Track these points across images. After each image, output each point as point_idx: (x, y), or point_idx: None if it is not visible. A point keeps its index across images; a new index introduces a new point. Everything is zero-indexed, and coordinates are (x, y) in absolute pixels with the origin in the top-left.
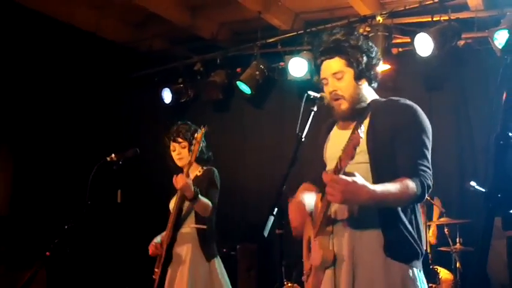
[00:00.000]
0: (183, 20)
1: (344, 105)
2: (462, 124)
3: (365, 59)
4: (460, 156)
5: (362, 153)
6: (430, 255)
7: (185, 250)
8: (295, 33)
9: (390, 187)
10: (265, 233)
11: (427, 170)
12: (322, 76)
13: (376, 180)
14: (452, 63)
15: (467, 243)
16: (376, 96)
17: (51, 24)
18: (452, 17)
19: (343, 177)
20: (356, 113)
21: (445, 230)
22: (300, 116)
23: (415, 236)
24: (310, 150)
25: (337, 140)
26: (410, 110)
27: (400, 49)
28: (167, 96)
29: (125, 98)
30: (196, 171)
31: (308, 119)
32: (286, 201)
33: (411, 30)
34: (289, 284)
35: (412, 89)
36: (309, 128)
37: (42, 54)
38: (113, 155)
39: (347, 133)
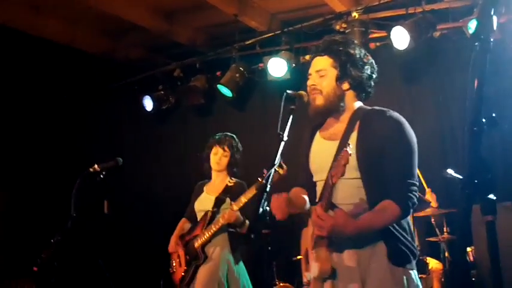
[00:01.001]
0: (159, 27)
1: (319, 101)
2: (442, 114)
3: (355, 67)
4: (442, 146)
5: (353, 169)
6: (418, 247)
7: (216, 251)
8: (273, 33)
9: (375, 216)
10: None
11: (415, 188)
12: (309, 71)
13: (369, 195)
14: (430, 54)
15: (454, 232)
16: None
17: (24, 39)
18: (426, 9)
19: (330, 217)
20: (331, 114)
21: (432, 220)
22: (280, 116)
23: (410, 239)
24: (293, 149)
25: (322, 151)
26: (398, 127)
27: (378, 43)
28: (148, 104)
29: (106, 109)
30: (226, 180)
31: (288, 118)
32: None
33: (387, 24)
34: (281, 284)
35: (392, 83)
36: (290, 127)
37: (17, 70)
38: (96, 166)
39: (333, 144)
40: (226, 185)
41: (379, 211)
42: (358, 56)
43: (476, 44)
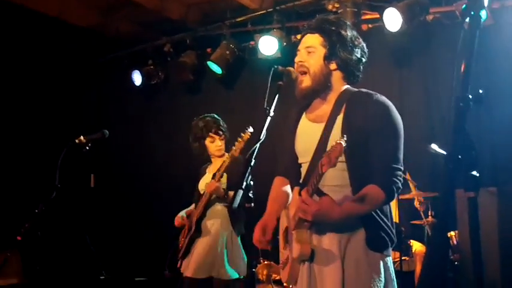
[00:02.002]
0: (151, 2)
1: (306, 83)
2: (431, 98)
3: (344, 48)
4: (430, 130)
5: None
6: (403, 229)
7: (215, 224)
8: (265, 11)
9: (360, 202)
10: (235, 205)
11: (400, 173)
12: (298, 47)
13: (352, 178)
14: (422, 38)
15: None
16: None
17: (12, 10)
18: None
19: (315, 202)
20: (318, 94)
21: (417, 203)
22: (268, 91)
23: (390, 226)
24: (278, 125)
25: (308, 133)
26: (384, 111)
27: (370, 25)
28: (137, 78)
29: (95, 82)
30: (224, 158)
31: (276, 94)
32: (255, 175)
33: (380, 6)
34: (266, 262)
35: (383, 65)
36: (277, 103)
37: (5, 41)
38: (82, 137)
39: (319, 127)
40: (224, 161)
41: (364, 196)
42: (349, 37)
43: (467, 20)
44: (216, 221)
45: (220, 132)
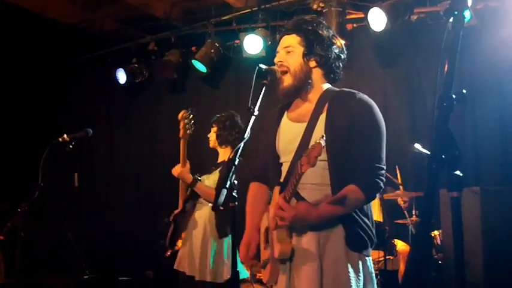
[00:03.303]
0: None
1: (287, 81)
2: (416, 98)
3: (322, 45)
4: (414, 130)
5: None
6: (387, 228)
7: (200, 227)
8: (249, 10)
9: (339, 203)
10: (219, 205)
11: (382, 172)
12: (277, 49)
13: (333, 178)
14: (406, 38)
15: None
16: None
17: None
18: None
19: (292, 208)
20: (300, 92)
21: (401, 202)
22: (252, 90)
23: (370, 226)
24: (262, 124)
25: (289, 133)
26: (367, 110)
27: (355, 25)
28: (122, 77)
29: (78, 80)
30: (227, 155)
31: (260, 93)
32: (239, 174)
33: (364, 5)
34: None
35: (367, 64)
36: (261, 102)
37: None
38: (65, 136)
39: (301, 126)
40: (224, 160)
41: (343, 198)
42: (326, 35)
43: (450, 20)
44: (202, 224)
45: (214, 125)
